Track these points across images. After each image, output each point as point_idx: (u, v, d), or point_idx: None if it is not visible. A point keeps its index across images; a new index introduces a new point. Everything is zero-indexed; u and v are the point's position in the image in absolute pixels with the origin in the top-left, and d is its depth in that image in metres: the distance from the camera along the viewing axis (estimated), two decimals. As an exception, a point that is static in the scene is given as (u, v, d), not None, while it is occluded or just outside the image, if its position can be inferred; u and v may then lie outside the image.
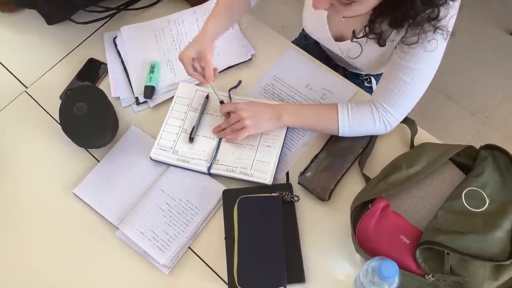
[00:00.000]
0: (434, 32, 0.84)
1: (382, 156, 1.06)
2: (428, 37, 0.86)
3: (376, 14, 0.86)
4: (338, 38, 1.11)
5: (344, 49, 1.12)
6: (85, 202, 1.06)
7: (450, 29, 0.87)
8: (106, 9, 1.30)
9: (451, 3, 0.82)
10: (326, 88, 1.16)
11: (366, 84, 1.31)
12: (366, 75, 1.30)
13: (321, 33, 1.12)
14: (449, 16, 0.83)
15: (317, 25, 1.12)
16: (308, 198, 1.04)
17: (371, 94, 1.09)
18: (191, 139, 1.09)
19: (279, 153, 1.06)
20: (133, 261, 1.00)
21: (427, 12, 0.80)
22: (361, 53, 1.07)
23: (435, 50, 0.89)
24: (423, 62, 0.91)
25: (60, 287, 1.00)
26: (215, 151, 1.08)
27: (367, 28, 0.90)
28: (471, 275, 0.84)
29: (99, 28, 1.31)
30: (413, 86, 0.95)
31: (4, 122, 1.18)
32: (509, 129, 2.05)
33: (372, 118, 1.02)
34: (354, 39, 1.02)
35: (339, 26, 1.08)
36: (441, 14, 0.81)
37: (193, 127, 1.10)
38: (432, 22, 0.82)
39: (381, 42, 0.89)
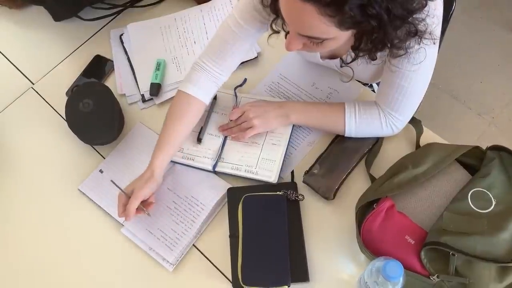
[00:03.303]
0: (419, 43, 0.83)
1: (388, 156, 1.06)
2: (414, 48, 0.84)
3: (357, 42, 0.84)
4: (331, 56, 1.08)
5: (338, 66, 1.10)
6: (90, 199, 1.07)
7: (437, 35, 0.85)
8: (112, 6, 1.30)
9: (430, 13, 0.79)
10: (332, 87, 1.16)
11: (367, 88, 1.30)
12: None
13: (311, 55, 1.11)
14: (432, 27, 0.81)
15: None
16: (313, 197, 1.03)
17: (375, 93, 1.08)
18: (199, 140, 1.09)
19: (285, 151, 1.06)
20: (137, 258, 1.01)
21: (403, 33, 0.79)
22: (352, 76, 1.06)
23: (426, 56, 0.88)
24: (418, 64, 0.90)
25: (64, 282, 1.00)
26: (220, 149, 1.07)
27: (354, 52, 0.88)
28: (476, 276, 0.84)
29: (105, 25, 1.31)
30: (412, 88, 0.94)
31: (10, 118, 1.19)
32: (516, 130, 2.04)
33: (379, 121, 1.01)
34: (343, 65, 1.01)
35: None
36: (421, 28, 0.79)
37: (201, 127, 1.10)
38: (414, 38, 0.81)
39: (372, 57, 0.87)
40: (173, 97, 1.16)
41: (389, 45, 0.80)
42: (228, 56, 1.02)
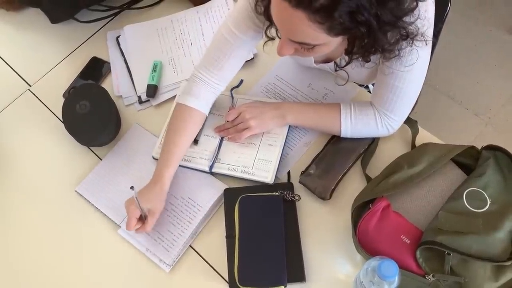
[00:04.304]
0: (411, 45, 0.83)
1: (384, 156, 1.06)
2: (406, 49, 0.85)
3: (349, 46, 0.85)
4: (325, 60, 1.09)
5: (333, 69, 1.10)
6: (87, 200, 1.07)
7: (429, 37, 0.85)
8: (109, 8, 1.31)
9: (421, 15, 0.80)
10: (328, 88, 1.16)
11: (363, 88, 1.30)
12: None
13: (305, 59, 1.11)
14: (423, 29, 0.81)
15: None
16: (309, 197, 1.04)
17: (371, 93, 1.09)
18: (196, 142, 1.09)
19: (281, 151, 1.06)
20: (134, 259, 1.01)
21: (393, 37, 0.79)
22: (348, 79, 1.07)
23: (419, 57, 0.88)
24: (411, 65, 0.90)
25: (61, 284, 1.00)
26: (217, 150, 1.08)
27: (347, 57, 0.89)
28: (471, 275, 0.84)
29: (102, 27, 1.31)
30: (407, 88, 0.95)
31: (7, 120, 1.19)
32: (513, 130, 2.04)
33: (375, 122, 1.02)
34: (338, 69, 1.02)
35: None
36: (412, 31, 0.79)
37: None
38: (406, 40, 0.81)
39: (365, 59, 0.88)
40: (169, 98, 1.18)
41: (380, 50, 0.81)
42: (225, 67, 1.02)
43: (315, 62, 1.09)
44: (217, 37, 1.00)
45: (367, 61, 0.88)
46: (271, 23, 0.88)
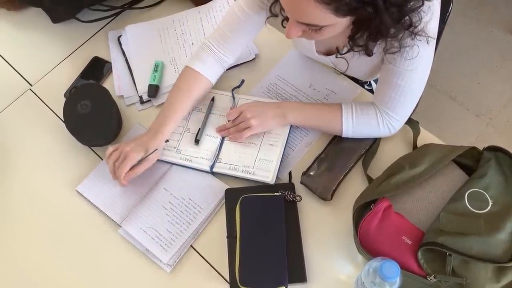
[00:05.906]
0: (413, 39, 0.84)
1: (385, 157, 1.06)
2: (408, 44, 0.86)
3: (353, 30, 0.87)
4: (327, 52, 1.10)
5: (333, 62, 1.12)
6: (88, 200, 1.07)
7: (431, 34, 0.86)
8: (111, 8, 1.31)
9: (425, 7, 0.81)
10: (330, 88, 1.16)
11: (366, 87, 1.30)
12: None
13: (308, 49, 1.12)
14: (425, 21, 0.83)
15: (304, 41, 1.10)
16: (311, 198, 1.04)
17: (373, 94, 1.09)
18: (197, 141, 1.09)
19: (282, 151, 1.06)
20: (135, 259, 1.01)
21: (399, 23, 0.81)
22: (347, 67, 1.08)
23: (419, 54, 0.89)
24: (413, 63, 0.91)
25: (61, 283, 1.00)
26: (218, 149, 1.08)
27: (350, 43, 0.91)
28: (473, 276, 0.84)
29: (104, 27, 1.31)
30: (409, 87, 0.95)
31: (8, 120, 1.19)
32: (514, 131, 2.04)
33: (376, 121, 1.02)
34: (339, 56, 1.03)
35: (325, 41, 1.06)
36: (414, 20, 0.81)
37: (199, 129, 1.10)
38: (408, 30, 0.83)
39: (368, 52, 0.90)
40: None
41: (384, 33, 0.82)
42: (233, 40, 1.07)
43: (317, 52, 1.09)
44: (229, 12, 1.05)
45: (369, 55, 0.90)
46: (276, 0, 0.91)
